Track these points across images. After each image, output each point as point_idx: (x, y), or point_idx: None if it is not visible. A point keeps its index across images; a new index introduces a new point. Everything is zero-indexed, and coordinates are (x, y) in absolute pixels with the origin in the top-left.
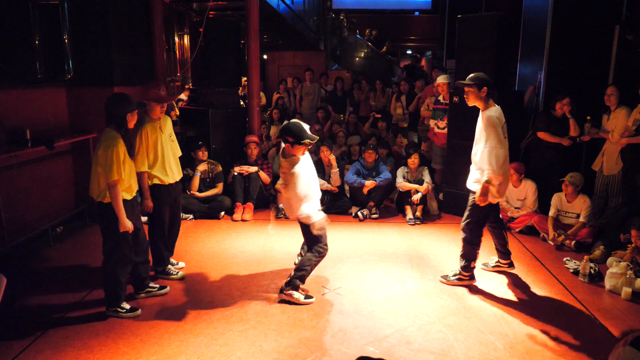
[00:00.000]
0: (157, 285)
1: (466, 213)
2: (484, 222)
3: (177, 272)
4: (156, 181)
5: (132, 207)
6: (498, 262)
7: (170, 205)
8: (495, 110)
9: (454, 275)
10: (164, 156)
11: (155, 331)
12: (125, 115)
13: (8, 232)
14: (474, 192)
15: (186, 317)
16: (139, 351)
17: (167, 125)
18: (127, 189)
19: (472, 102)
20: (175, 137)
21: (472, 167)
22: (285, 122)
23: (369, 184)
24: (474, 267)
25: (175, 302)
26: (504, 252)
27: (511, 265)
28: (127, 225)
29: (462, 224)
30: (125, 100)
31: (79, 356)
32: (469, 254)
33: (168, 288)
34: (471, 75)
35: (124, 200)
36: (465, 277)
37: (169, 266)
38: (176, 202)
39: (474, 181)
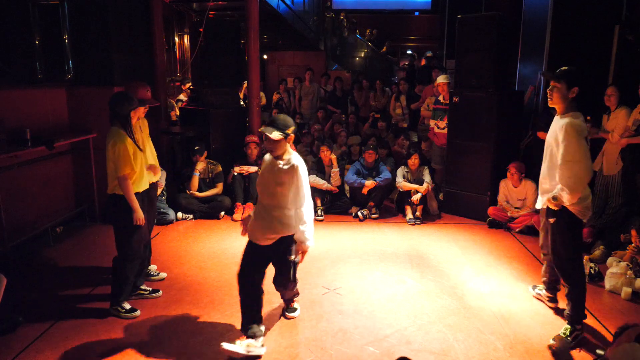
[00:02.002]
0: (149, 289)
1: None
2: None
3: (158, 273)
4: None
5: (142, 201)
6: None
7: (153, 203)
8: (578, 116)
9: (568, 333)
10: (145, 157)
11: (155, 331)
12: (130, 112)
13: (8, 232)
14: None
15: (186, 317)
16: (139, 351)
17: (146, 127)
18: (138, 183)
19: (554, 103)
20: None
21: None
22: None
23: (369, 184)
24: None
25: (176, 302)
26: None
27: (553, 300)
28: (140, 216)
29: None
30: (127, 99)
31: (79, 356)
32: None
33: (160, 292)
34: (563, 68)
35: (136, 194)
36: (579, 329)
37: (149, 267)
38: (152, 202)
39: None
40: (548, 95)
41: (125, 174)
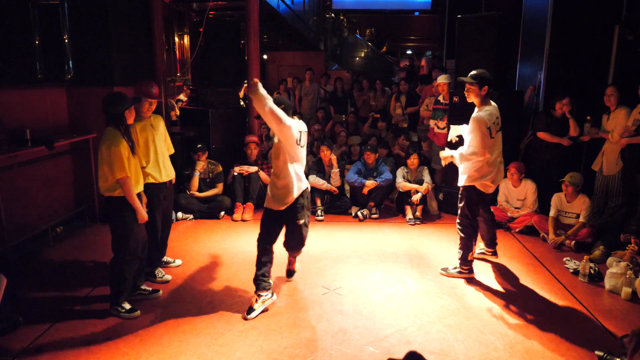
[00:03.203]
0: (150, 289)
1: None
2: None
3: (163, 276)
4: (150, 179)
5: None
6: (484, 249)
7: (162, 203)
8: (485, 111)
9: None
10: (157, 154)
11: (155, 331)
12: (123, 112)
13: (8, 232)
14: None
15: (186, 317)
16: (139, 351)
17: (160, 124)
18: (135, 184)
19: (471, 99)
20: (169, 136)
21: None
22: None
23: (370, 183)
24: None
25: (175, 302)
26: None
27: (495, 254)
28: (143, 215)
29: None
30: (120, 98)
31: (79, 356)
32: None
33: (160, 292)
34: (473, 72)
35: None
36: (465, 270)
37: (158, 269)
38: (167, 201)
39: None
40: (466, 94)
41: (120, 177)
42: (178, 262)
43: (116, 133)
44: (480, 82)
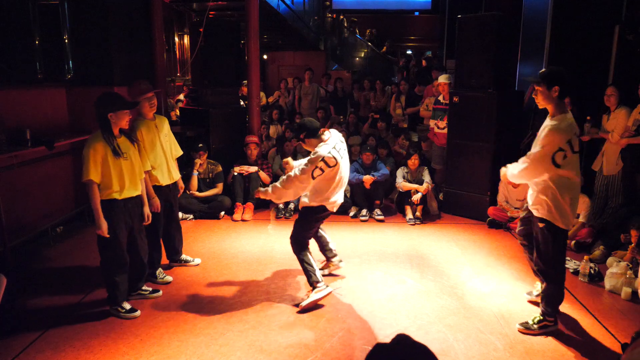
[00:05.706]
0: (150, 289)
1: (538, 249)
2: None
3: (164, 277)
4: (153, 182)
5: (125, 207)
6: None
7: (165, 206)
8: (563, 119)
9: (537, 322)
10: (163, 156)
11: (155, 331)
12: (106, 114)
13: (8, 232)
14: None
15: (186, 317)
16: (139, 351)
17: (164, 125)
18: (117, 190)
19: (541, 103)
20: (174, 136)
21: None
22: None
23: (367, 178)
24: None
25: (175, 302)
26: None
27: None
28: (102, 227)
29: (539, 261)
30: (108, 100)
31: (79, 356)
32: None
33: (160, 292)
34: (542, 70)
35: (114, 200)
36: (550, 323)
37: (159, 269)
38: (172, 202)
39: (533, 203)
40: (534, 98)
41: (85, 180)
42: (197, 260)
43: (96, 135)
44: (548, 82)
